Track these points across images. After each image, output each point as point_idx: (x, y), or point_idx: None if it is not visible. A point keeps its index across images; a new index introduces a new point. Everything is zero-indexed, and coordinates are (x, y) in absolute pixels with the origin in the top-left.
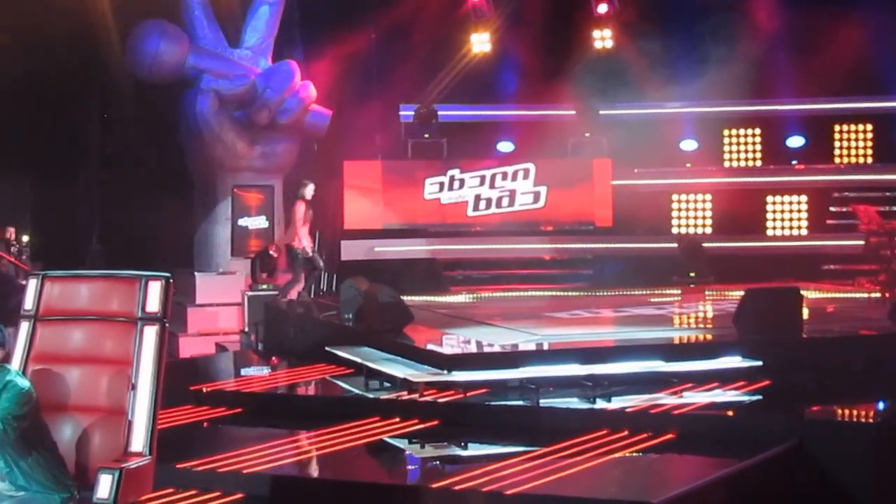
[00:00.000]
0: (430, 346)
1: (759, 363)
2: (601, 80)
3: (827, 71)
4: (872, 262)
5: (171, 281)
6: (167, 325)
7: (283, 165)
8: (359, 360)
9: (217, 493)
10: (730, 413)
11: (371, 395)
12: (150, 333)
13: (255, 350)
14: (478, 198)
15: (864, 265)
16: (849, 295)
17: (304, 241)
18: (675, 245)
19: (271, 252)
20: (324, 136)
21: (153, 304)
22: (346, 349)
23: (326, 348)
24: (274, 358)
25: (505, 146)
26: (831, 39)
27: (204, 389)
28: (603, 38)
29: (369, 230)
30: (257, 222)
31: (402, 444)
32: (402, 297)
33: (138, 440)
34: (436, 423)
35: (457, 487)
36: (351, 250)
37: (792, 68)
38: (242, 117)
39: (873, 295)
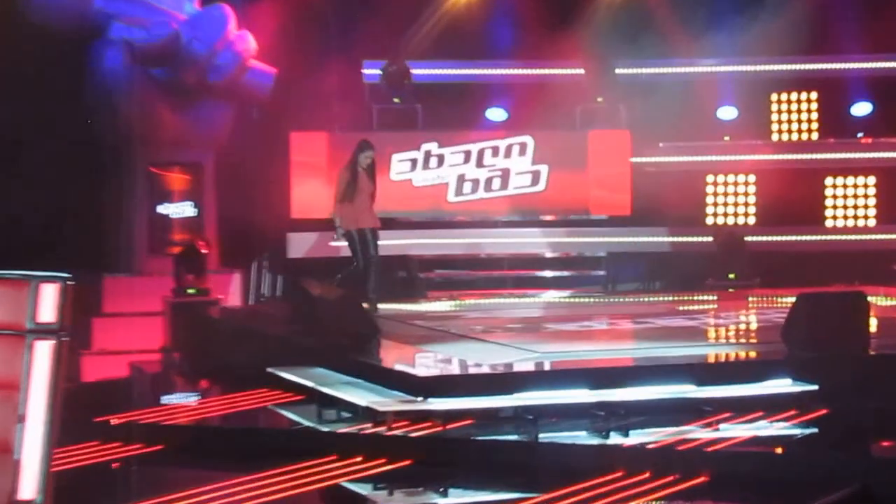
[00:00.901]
0: (400, 367)
1: (815, 388)
2: (618, 30)
3: None
4: None
5: (72, 284)
6: (66, 339)
7: (214, 137)
8: (311, 383)
9: None
10: (777, 450)
11: (326, 429)
12: (43, 350)
13: (181, 372)
14: (461, 179)
15: None
16: None
17: (338, 220)
18: (711, 239)
19: (200, 248)
20: (266, 100)
21: (47, 312)
22: (295, 370)
23: (270, 370)
24: (204, 382)
25: (496, 114)
26: None
27: (114, 422)
28: None
29: (323, 220)
30: (181, 210)
31: (365, 489)
32: (365, 304)
33: (29, 485)
34: (408, 463)
35: None
36: (300, 245)
37: (859, 17)
38: (163, 76)
39: None
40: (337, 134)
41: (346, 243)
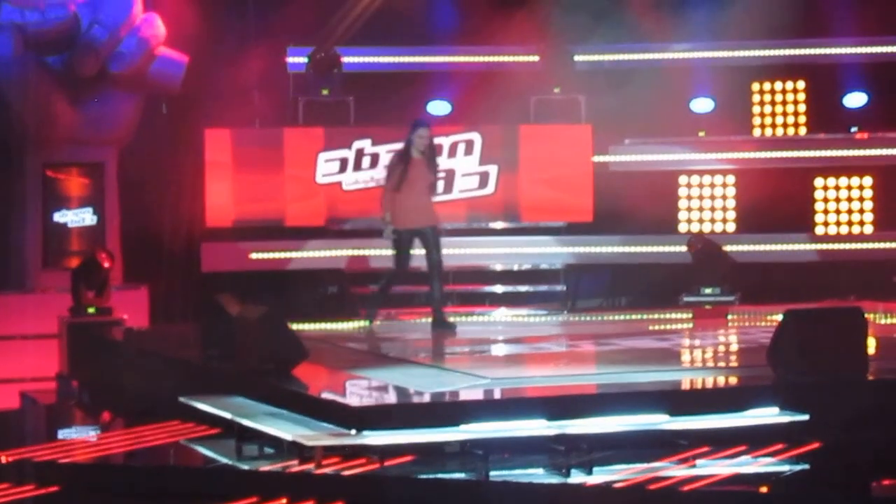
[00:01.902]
0: (331, 395)
1: (805, 418)
2: (577, 11)
3: None
4: None
5: None
6: None
7: (118, 134)
8: (228, 415)
9: None
10: (763, 489)
11: (246, 466)
12: None
13: (79, 402)
14: None
15: None
16: None
17: (387, 215)
18: (685, 249)
19: (101, 261)
20: (177, 92)
21: None
22: (210, 400)
23: (182, 399)
24: (106, 414)
25: (438, 107)
26: None
27: (2, 459)
28: None
29: (242, 228)
30: (80, 217)
31: None
32: (290, 324)
33: None
34: None
35: None
36: (216, 257)
37: None
38: (59, 65)
39: None
40: (257, 129)
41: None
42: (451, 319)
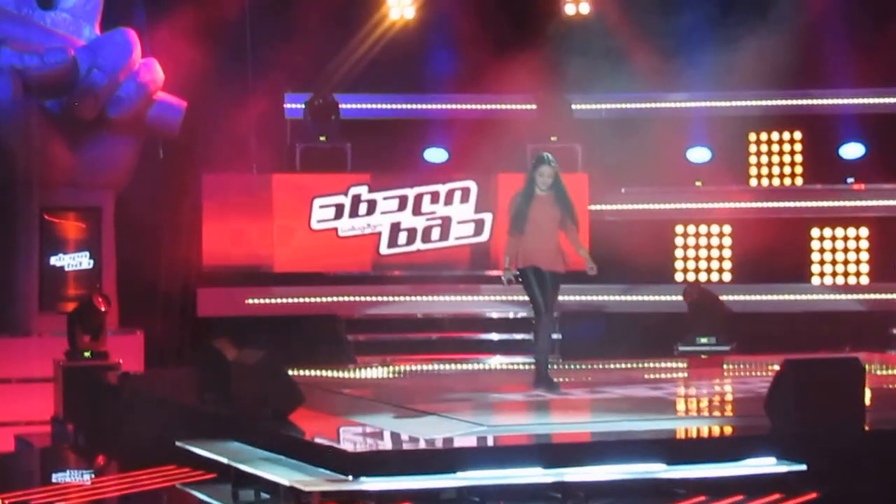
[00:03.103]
0: (327, 441)
1: (803, 468)
2: (575, 60)
3: None
4: None
5: None
6: None
7: (115, 178)
8: (225, 460)
9: None
10: None
11: None
12: None
13: (74, 446)
14: (395, 228)
15: None
16: None
17: (506, 259)
18: (680, 298)
19: (97, 304)
20: (175, 137)
21: None
22: (207, 445)
23: (178, 443)
24: (101, 457)
25: (435, 154)
26: None
27: None
28: (577, 0)
29: (239, 273)
30: (77, 261)
31: None
32: (286, 369)
33: None
34: None
35: None
36: (213, 301)
37: (848, 48)
38: (58, 109)
39: None
40: (255, 175)
41: (514, 285)
42: (557, 380)
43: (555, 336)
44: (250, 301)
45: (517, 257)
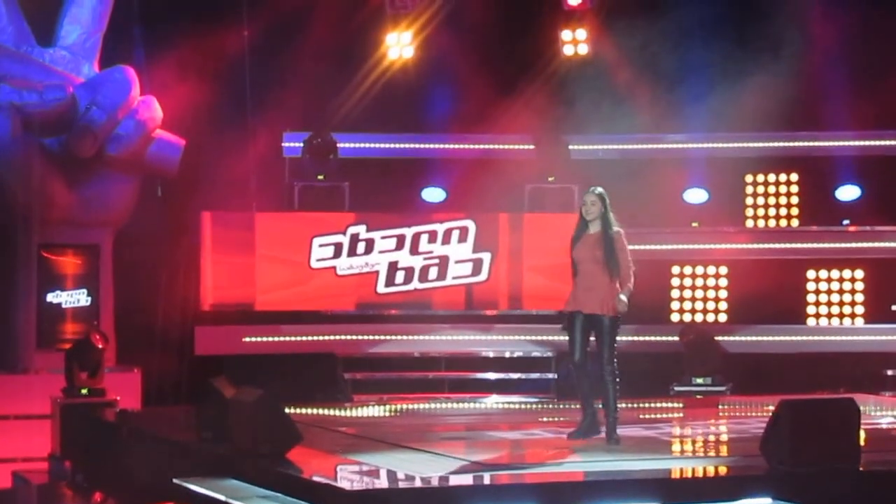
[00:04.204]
0: (324, 479)
1: None
2: (572, 101)
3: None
4: None
5: None
6: None
7: (113, 216)
8: (222, 497)
9: None
10: None
11: None
12: None
13: (72, 483)
14: (393, 267)
15: None
16: None
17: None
18: (677, 338)
19: (95, 342)
20: (174, 175)
21: None
22: (205, 482)
23: (175, 481)
24: (98, 495)
25: (433, 194)
26: None
27: None
28: (575, 42)
29: (237, 311)
30: (75, 298)
31: None
32: (284, 407)
33: None
34: None
35: None
36: (211, 340)
37: (845, 90)
38: (56, 146)
39: None
40: (253, 213)
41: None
42: (617, 436)
43: (550, 375)
44: (248, 339)
45: (570, 300)
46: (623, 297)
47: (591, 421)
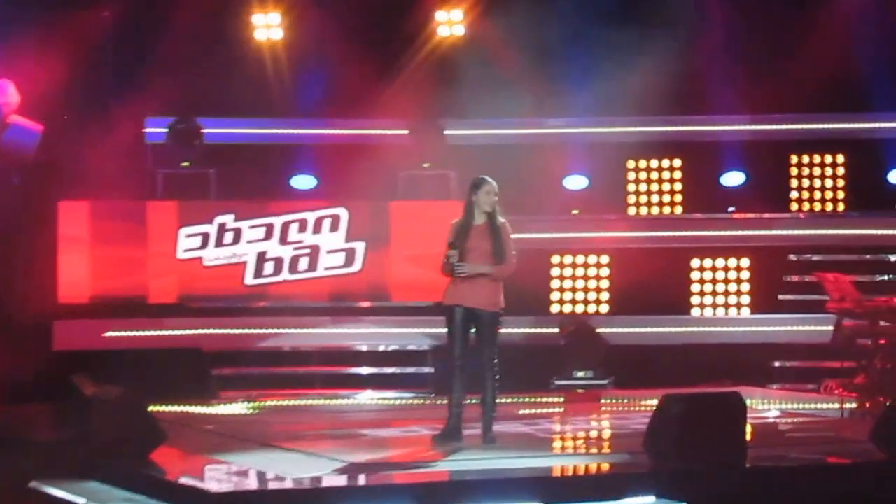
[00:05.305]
0: (190, 481)
1: None
2: (449, 84)
3: (783, 77)
4: (845, 356)
5: None
6: None
7: None
8: (83, 501)
9: None
10: None
11: None
12: None
13: None
14: (262, 257)
15: (834, 362)
16: (812, 405)
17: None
18: (556, 331)
19: None
20: (30, 162)
21: None
22: (65, 485)
23: (33, 484)
24: None
25: (303, 181)
26: (792, 35)
27: None
28: (451, 23)
29: (97, 305)
30: None
31: None
32: (148, 405)
33: None
34: None
35: None
36: (69, 335)
37: (735, 73)
38: None
39: (847, 405)
40: (114, 202)
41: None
42: (492, 435)
43: (426, 370)
44: (110, 334)
45: (448, 291)
46: (483, 269)
47: (454, 425)
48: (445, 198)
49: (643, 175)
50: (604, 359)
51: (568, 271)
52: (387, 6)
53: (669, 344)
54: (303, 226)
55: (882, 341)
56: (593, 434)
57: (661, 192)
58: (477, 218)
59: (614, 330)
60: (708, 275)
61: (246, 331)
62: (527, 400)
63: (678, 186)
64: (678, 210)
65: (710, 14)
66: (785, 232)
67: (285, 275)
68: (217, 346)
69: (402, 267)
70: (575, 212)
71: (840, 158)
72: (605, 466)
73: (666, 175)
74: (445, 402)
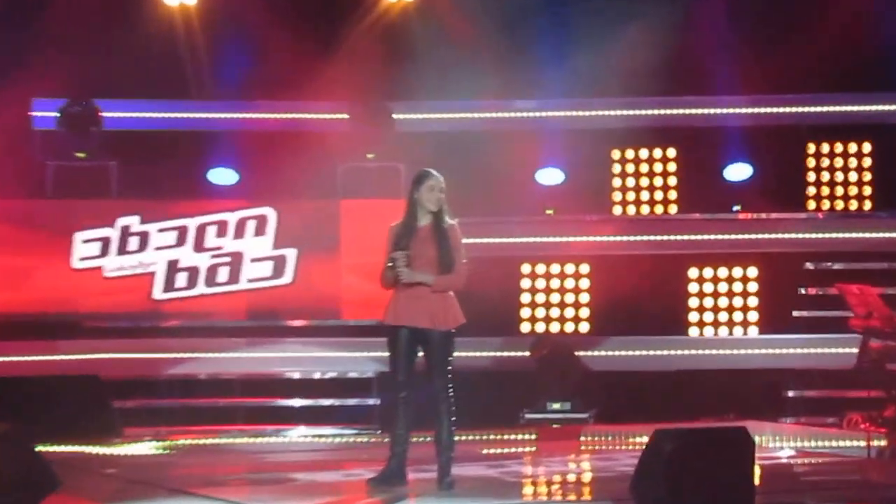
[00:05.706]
0: None
1: None
2: (396, 61)
3: (798, 50)
4: (872, 384)
5: None
6: None
7: None
8: None
9: None
10: None
11: None
12: None
13: None
14: (173, 267)
15: (859, 391)
16: (833, 443)
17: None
18: (528, 354)
19: None
20: None
21: None
22: None
23: None
24: None
25: (222, 175)
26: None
27: None
28: None
29: None
30: None
31: None
32: (37, 445)
33: None
34: None
35: None
36: None
37: (737, 45)
38: None
39: (874, 443)
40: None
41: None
42: (451, 479)
43: (371, 401)
44: None
45: (389, 308)
46: (424, 278)
47: (397, 464)
48: (394, 195)
49: (630, 168)
50: (583, 387)
51: (541, 283)
52: None
53: (662, 370)
54: (222, 229)
55: None
56: (571, 478)
57: (652, 189)
58: (420, 219)
59: (596, 353)
60: (708, 287)
61: (154, 355)
62: (492, 437)
63: (672, 181)
64: (673, 209)
65: None
66: (800, 236)
67: (201, 288)
68: (120, 373)
69: (352, 279)
70: (549, 212)
71: (866, 147)
72: None
73: (658, 168)
74: (364, 437)
